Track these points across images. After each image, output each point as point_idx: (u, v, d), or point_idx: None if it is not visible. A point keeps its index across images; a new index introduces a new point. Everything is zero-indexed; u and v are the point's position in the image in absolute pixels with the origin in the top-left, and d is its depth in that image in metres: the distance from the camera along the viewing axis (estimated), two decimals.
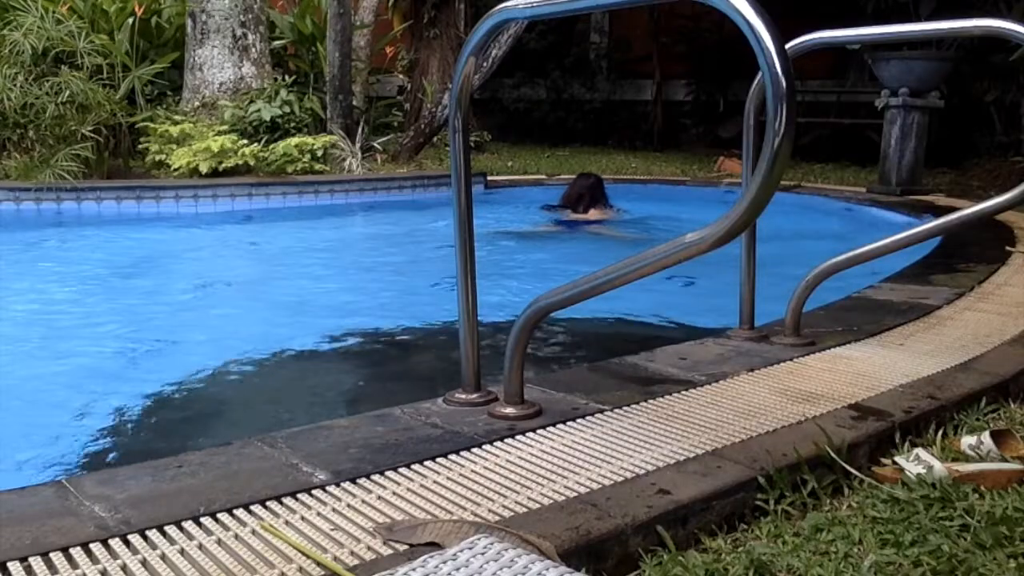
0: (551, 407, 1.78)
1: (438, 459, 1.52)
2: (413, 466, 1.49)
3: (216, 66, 7.47)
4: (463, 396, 1.82)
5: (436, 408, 1.79)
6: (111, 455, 2.24)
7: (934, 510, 1.40)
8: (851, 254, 2.35)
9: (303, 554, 1.19)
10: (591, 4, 1.72)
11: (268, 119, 6.95)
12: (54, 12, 6.56)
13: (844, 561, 1.26)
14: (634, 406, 1.80)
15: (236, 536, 1.25)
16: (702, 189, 7.44)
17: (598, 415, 1.75)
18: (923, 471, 1.52)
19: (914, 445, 1.69)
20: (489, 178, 7.44)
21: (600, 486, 1.41)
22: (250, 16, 7.56)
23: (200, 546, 1.22)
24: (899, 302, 2.82)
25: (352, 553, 1.20)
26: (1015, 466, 1.54)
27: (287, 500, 1.36)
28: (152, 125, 6.75)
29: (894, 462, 1.61)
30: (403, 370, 3.14)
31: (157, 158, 6.59)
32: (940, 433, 1.75)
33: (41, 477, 2.04)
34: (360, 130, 7.31)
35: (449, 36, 8.72)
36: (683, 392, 1.90)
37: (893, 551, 1.28)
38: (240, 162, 6.41)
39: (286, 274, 4.70)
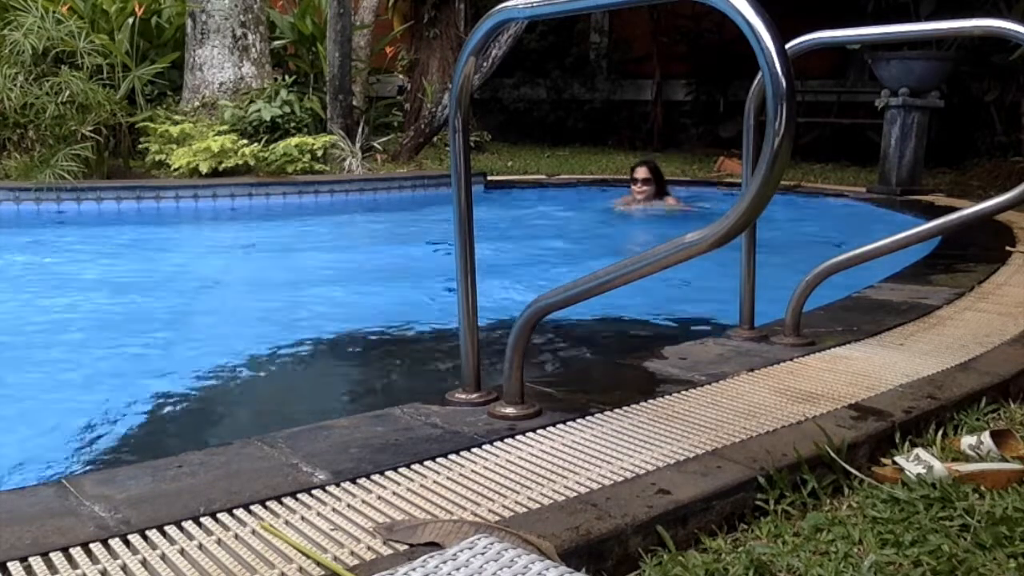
0: (551, 407, 1.78)
1: (438, 459, 1.52)
2: (413, 466, 1.49)
3: (216, 66, 7.47)
4: (463, 396, 1.82)
5: (436, 408, 1.79)
6: (111, 455, 2.24)
7: (934, 510, 1.40)
8: (851, 254, 2.35)
9: (303, 554, 1.19)
10: (591, 4, 1.72)
11: (268, 119, 6.95)
12: (54, 12, 6.55)
13: (844, 561, 1.26)
14: (634, 406, 1.80)
15: (236, 536, 1.25)
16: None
17: (598, 415, 1.75)
18: (923, 471, 1.52)
19: (914, 445, 1.69)
20: (489, 178, 7.45)
21: (600, 486, 1.41)
22: (250, 16, 7.57)
23: (200, 546, 1.22)
24: (899, 302, 2.82)
25: (352, 553, 1.20)
26: (1015, 466, 1.54)
27: (287, 500, 1.36)
28: (152, 125, 6.75)
29: (894, 462, 1.61)
30: (403, 370, 3.14)
31: (157, 158, 6.59)
32: (940, 433, 1.75)
33: (41, 477, 2.04)
34: (360, 130, 7.31)
35: (449, 36, 8.71)
36: (683, 392, 1.90)
37: (893, 551, 1.28)
38: (240, 162, 6.42)
39: (286, 274, 4.69)
